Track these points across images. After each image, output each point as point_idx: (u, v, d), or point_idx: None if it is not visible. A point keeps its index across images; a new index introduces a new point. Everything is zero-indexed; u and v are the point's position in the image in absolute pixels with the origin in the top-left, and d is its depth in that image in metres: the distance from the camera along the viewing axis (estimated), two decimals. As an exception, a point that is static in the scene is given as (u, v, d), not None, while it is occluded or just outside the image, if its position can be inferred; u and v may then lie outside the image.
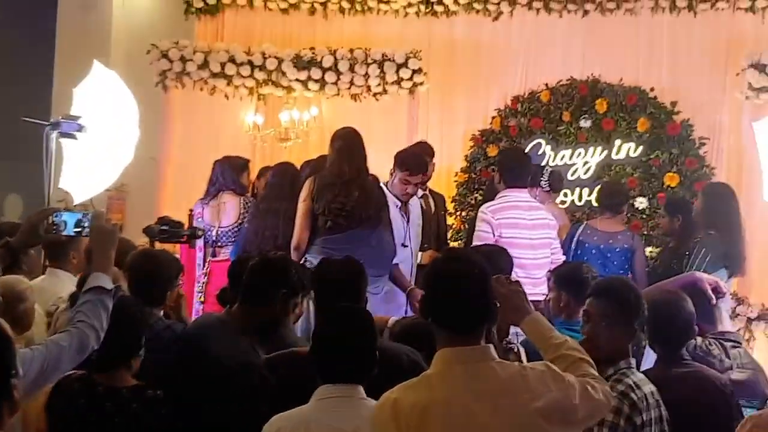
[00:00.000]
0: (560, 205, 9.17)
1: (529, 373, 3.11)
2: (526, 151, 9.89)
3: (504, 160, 7.69)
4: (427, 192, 8.18)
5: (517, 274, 6.21)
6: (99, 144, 6.29)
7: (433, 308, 3.21)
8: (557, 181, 8.38)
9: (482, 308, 3.18)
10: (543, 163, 9.52)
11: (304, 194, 6.72)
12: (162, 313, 5.05)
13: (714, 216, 6.93)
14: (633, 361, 3.94)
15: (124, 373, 4.07)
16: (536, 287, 6.37)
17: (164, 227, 5.65)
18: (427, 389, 3.08)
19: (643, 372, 4.54)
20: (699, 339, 4.95)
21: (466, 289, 3.15)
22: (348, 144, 7.02)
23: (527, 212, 7.03)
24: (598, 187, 8.91)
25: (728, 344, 4.96)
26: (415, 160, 6.71)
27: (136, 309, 4.27)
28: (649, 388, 3.84)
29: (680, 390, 4.20)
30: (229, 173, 8.03)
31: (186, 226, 6.17)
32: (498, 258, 5.49)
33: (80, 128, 5.79)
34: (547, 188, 8.17)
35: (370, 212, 6.59)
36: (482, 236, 6.84)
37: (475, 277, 3.20)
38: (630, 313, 3.95)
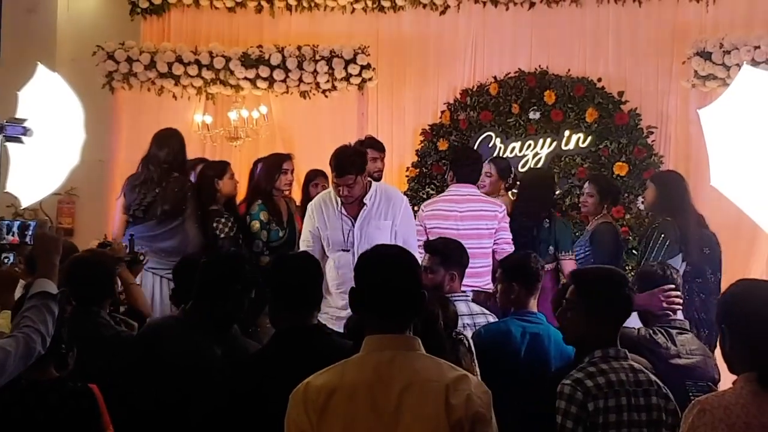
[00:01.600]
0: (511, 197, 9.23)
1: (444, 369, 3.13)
2: (477, 143, 10.01)
3: (453, 157, 8.07)
4: None
5: None
6: (45, 147, 6.21)
7: (361, 298, 3.21)
8: (505, 169, 8.41)
9: (409, 296, 3.19)
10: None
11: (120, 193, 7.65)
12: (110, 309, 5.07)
13: (668, 203, 7.00)
14: (613, 351, 3.93)
15: (47, 367, 4.03)
16: (468, 277, 6.44)
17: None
18: (340, 374, 3.09)
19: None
20: (643, 329, 4.99)
21: (393, 276, 3.18)
22: (154, 144, 7.66)
23: (460, 204, 7.38)
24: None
25: (674, 331, 4.99)
26: (337, 162, 6.54)
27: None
28: (617, 376, 3.82)
29: None
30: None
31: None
32: (451, 250, 5.54)
33: (26, 132, 5.70)
34: (508, 185, 8.23)
35: (166, 207, 7.32)
36: (418, 229, 7.13)
37: (402, 264, 3.22)
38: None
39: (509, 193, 8.43)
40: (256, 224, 7.52)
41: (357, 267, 3.29)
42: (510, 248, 7.26)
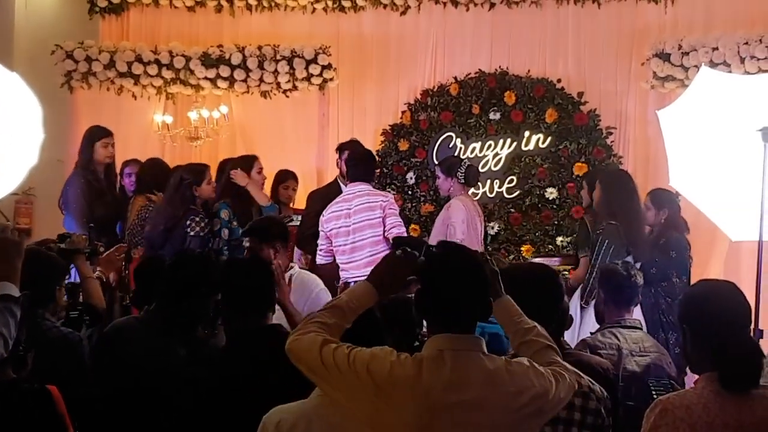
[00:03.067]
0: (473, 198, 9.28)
1: (515, 368, 3.12)
2: (438, 143, 10.01)
3: (347, 160, 8.09)
4: None
5: (340, 260, 7.40)
6: (2, 147, 6.16)
7: (431, 304, 3.21)
8: (472, 176, 8.43)
9: (480, 306, 3.21)
10: (461, 156, 9.55)
11: None
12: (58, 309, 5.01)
13: (614, 205, 7.02)
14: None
15: (5, 368, 3.99)
16: (359, 270, 7.04)
17: (62, 245, 5.65)
18: (417, 369, 3.07)
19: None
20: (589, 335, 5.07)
21: (469, 286, 3.18)
22: None
23: (350, 202, 7.55)
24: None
25: (625, 330, 5.03)
26: None
27: None
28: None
29: None
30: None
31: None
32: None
33: (-18, 132, 5.68)
34: (462, 180, 8.23)
35: None
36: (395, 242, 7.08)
37: (476, 273, 3.22)
38: None
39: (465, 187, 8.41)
40: (218, 222, 7.58)
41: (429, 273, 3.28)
42: (398, 231, 7.40)
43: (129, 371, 4.27)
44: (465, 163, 8.46)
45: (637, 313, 5.76)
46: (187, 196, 7.51)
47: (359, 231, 7.41)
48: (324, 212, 7.67)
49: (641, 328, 5.22)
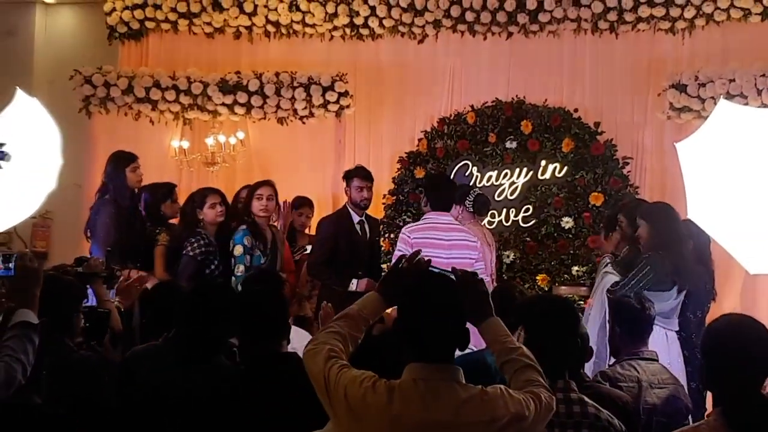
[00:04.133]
0: (488, 226, 9.26)
1: (489, 397, 3.15)
2: (454, 172, 10.01)
3: (428, 185, 8.08)
4: (363, 218, 8.21)
5: None
6: (21, 172, 6.19)
7: (409, 334, 3.25)
8: (482, 205, 8.43)
9: (455, 334, 3.26)
10: (471, 184, 9.56)
11: None
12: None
13: (661, 236, 6.89)
14: (561, 383, 3.92)
15: (30, 394, 3.99)
16: None
17: (80, 269, 5.67)
18: (388, 397, 3.12)
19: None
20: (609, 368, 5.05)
21: (445, 317, 3.23)
22: None
23: (445, 233, 7.40)
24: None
25: (643, 362, 5.01)
26: None
27: None
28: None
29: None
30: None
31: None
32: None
33: (4, 156, 5.70)
34: (471, 209, 8.22)
35: None
36: (397, 255, 6.98)
37: (454, 303, 3.29)
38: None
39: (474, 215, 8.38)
40: (240, 248, 7.56)
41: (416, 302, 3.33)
42: (487, 278, 7.29)
43: (150, 397, 4.27)
44: (474, 191, 8.47)
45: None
46: (190, 218, 7.63)
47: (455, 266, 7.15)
48: (409, 233, 7.47)
49: (658, 360, 5.20)
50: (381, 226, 10.22)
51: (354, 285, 7.82)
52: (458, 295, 3.29)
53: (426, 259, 3.58)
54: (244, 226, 7.66)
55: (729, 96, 8.77)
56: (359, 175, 8.19)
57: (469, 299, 3.36)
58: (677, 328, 6.67)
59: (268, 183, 7.96)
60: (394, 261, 6.69)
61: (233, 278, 7.46)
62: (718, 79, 9.13)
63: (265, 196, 7.83)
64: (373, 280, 7.89)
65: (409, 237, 7.39)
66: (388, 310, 3.87)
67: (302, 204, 9.03)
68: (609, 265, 7.04)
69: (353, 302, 3.58)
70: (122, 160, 8.11)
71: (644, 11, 9.83)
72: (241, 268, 7.50)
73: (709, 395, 4.13)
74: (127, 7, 10.98)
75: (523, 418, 3.15)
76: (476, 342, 3.66)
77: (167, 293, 5.56)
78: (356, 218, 8.09)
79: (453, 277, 3.46)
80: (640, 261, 6.69)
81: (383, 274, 3.64)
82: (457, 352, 3.36)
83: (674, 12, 9.78)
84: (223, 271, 7.55)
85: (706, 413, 3.50)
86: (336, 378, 3.17)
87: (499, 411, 3.12)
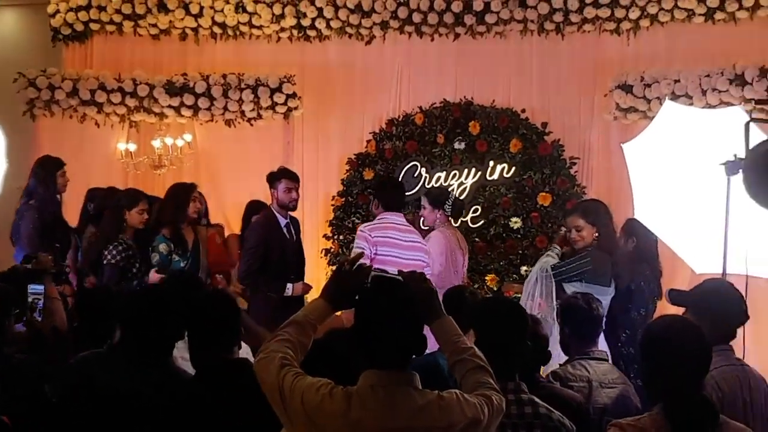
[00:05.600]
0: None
1: (446, 402, 3.15)
2: (402, 173, 10.03)
3: (378, 187, 8.06)
4: (288, 219, 8.09)
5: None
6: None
7: (364, 341, 3.23)
8: (459, 209, 8.45)
9: (414, 341, 3.24)
10: (450, 189, 9.52)
11: None
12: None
13: (600, 235, 6.93)
14: (512, 385, 3.94)
15: None
16: None
17: (28, 266, 5.62)
18: (346, 404, 3.11)
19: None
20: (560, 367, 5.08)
21: (400, 324, 3.21)
22: None
23: (403, 234, 7.42)
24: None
25: (593, 362, 5.05)
26: None
27: None
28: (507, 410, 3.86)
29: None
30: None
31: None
32: None
33: (-53, 161, 5.68)
34: (449, 213, 8.22)
35: None
36: (342, 261, 6.95)
37: (410, 309, 3.26)
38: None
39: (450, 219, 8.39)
40: (155, 256, 7.56)
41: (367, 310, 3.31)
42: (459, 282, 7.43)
43: (97, 404, 4.22)
44: (452, 195, 8.47)
45: (602, 344, 5.76)
46: (117, 222, 7.62)
47: (412, 269, 7.05)
48: (369, 231, 7.41)
49: (608, 360, 5.24)
50: (329, 227, 10.26)
51: (290, 290, 7.68)
52: (414, 301, 3.28)
53: (367, 264, 3.56)
54: (161, 234, 7.66)
55: (674, 96, 8.87)
56: (287, 176, 7.96)
57: (419, 299, 3.36)
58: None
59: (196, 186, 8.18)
60: (346, 261, 6.70)
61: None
62: (664, 80, 9.21)
63: (197, 199, 8.03)
64: (308, 284, 7.91)
65: (369, 235, 7.35)
66: (338, 312, 3.87)
67: (261, 208, 8.91)
68: (552, 250, 7.10)
69: (289, 307, 3.56)
70: (53, 166, 8.07)
71: (589, 12, 9.91)
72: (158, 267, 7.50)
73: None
74: (71, 9, 10.87)
75: (478, 422, 3.16)
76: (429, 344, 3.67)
77: (101, 299, 5.50)
78: (283, 221, 7.92)
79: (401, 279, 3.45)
80: (584, 254, 6.75)
81: (329, 278, 3.58)
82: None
83: (619, 13, 9.87)
84: (145, 272, 7.51)
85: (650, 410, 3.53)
86: (291, 386, 3.15)
87: (456, 416, 3.13)
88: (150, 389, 4.20)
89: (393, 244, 7.33)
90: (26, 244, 7.71)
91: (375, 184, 8.84)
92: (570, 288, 6.64)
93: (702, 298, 4.57)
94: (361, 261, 3.55)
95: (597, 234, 6.72)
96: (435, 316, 3.42)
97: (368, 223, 7.63)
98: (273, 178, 7.95)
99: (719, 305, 4.48)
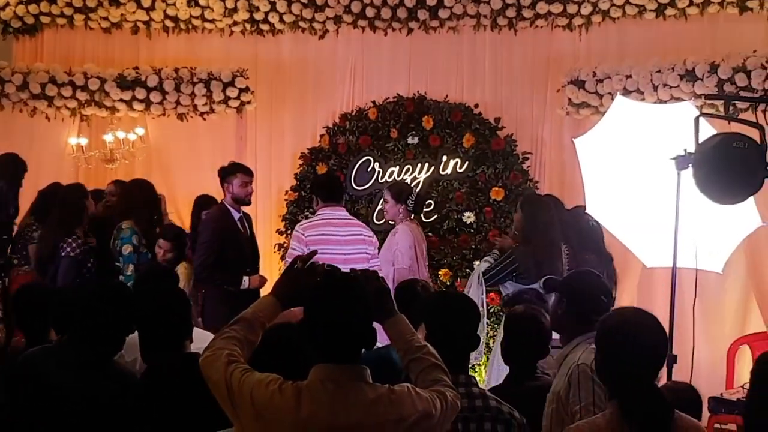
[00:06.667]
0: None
1: (397, 396, 3.15)
2: (356, 167, 10.02)
3: (314, 184, 8.24)
4: (241, 214, 8.07)
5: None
6: None
7: (314, 334, 3.21)
8: (420, 205, 8.52)
9: (364, 335, 3.22)
10: (412, 184, 9.50)
11: None
12: None
13: (526, 227, 7.02)
14: (463, 378, 3.97)
15: None
16: None
17: None
18: (296, 399, 3.10)
19: (494, 388, 4.68)
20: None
21: (350, 318, 3.19)
22: None
23: (340, 228, 7.44)
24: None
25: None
26: None
27: None
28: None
29: (534, 403, 4.34)
30: None
31: None
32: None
33: None
34: (411, 208, 8.23)
35: None
36: (294, 254, 7.06)
37: (361, 303, 3.24)
38: None
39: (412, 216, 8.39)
40: (128, 247, 7.54)
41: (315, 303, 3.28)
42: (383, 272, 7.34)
43: (47, 402, 4.19)
44: (415, 191, 8.49)
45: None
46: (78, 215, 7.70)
47: (354, 263, 6.99)
48: (303, 231, 7.41)
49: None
50: (282, 222, 10.24)
51: (246, 282, 7.66)
52: (365, 295, 3.27)
53: (321, 262, 3.55)
54: (129, 224, 7.63)
55: (626, 92, 8.92)
56: (243, 170, 7.97)
57: (371, 297, 3.34)
58: None
59: None
60: (288, 261, 6.70)
61: (121, 277, 7.41)
62: (615, 75, 9.26)
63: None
64: (263, 276, 7.91)
65: (303, 235, 7.36)
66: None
67: (210, 203, 8.86)
68: (491, 255, 7.20)
69: (246, 300, 3.54)
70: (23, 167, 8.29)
71: (542, 8, 9.95)
72: (131, 267, 7.50)
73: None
74: (21, 2, 10.74)
75: (430, 416, 3.16)
76: (381, 338, 3.67)
77: (38, 296, 5.45)
78: (236, 215, 7.89)
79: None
80: (509, 254, 6.85)
81: (280, 276, 3.56)
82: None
83: (571, 9, 9.91)
84: (99, 268, 7.53)
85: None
86: (240, 382, 3.13)
87: (407, 409, 3.13)
88: (95, 387, 4.18)
89: (329, 241, 7.30)
90: None
91: (311, 181, 8.77)
92: (504, 290, 6.78)
93: (570, 285, 4.66)
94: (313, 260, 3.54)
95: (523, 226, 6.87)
96: (388, 314, 3.42)
97: (303, 222, 7.68)
98: (226, 173, 7.92)
99: (586, 293, 4.54)
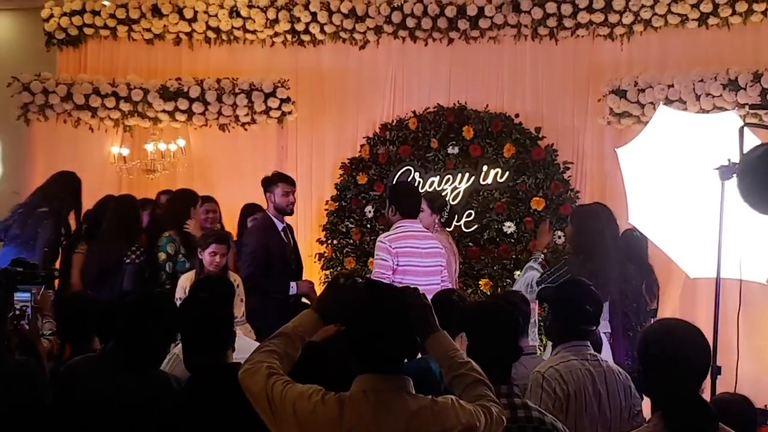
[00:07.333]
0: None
1: (440, 407, 3.14)
2: (396, 177, 10.01)
3: (396, 194, 7.84)
4: (285, 224, 8.09)
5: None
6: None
7: (358, 345, 3.22)
8: (452, 216, 8.51)
9: (407, 346, 3.24)
10: (445, 195, 9.52)
11: None
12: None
13: (582, 240, 6.96)
14: (504, 389, 3.94)
15: None
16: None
17: (19, 269, 5.57)
18: (339, 410, 3.11)
19: None
20: None
21: (394, 325, 3.20)
22: None
23: (422, 241, 7.32)
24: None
25: (527, 356, 5.08)
26: None
27: None
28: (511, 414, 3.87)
29: None
30: None
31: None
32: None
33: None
34: (444, 219, 8.23)
35: None
36: (382, 264, 7.11)
37: (404, 313, 3.24)
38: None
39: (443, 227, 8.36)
40: (162, 255, 7.63)
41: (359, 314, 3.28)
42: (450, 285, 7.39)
43: (90, 410, 4.21)
44: (449, 203, 8.50)
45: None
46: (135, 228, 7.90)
47: (432, 275, 7.23)
48: (389, 242, 7.23)
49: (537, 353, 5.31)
50: (323, 232, 10.26)
51: (294, 288, 7.75)
52: (405, 304, 3.27)
53: (361, 281, 3.54)
54: (169, 233, 7.71)
55: (668, 101, 8.87)
56: (285, 180, 7.99)
57: (413, 315, 3.33)
58: (608, 329, 6.80)
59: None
60: (380, 272, 6.77)
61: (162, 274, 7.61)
62: (657, 85, 9.21)
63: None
64: (311, 281, 8.04)
65: (390, 246, 7.21)
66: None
67: (255, 210, 8.87)
68: (534, 260, 7.17)
69: (295, 308, 3.55)
70: (77, 182, 8.55)
71: (583, 17, 9.92)
72: (162, 275, 7.57)
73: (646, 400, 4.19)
74: (65, 14, 10.89)
75: (473, 429, 3.15)
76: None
77: (83, 305, 5.49)
78: (280, 226, 7.94)
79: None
80: (561, 263, 6.81)
81: (322, 291, 3.57)
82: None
83: (613, 18, 9.87)
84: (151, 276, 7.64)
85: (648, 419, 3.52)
86: (282, 394, 3.14)
87: (450, 421, 3.12)
88: (137, 396, 4.20)
89: (413, 254, 7.24)
90: (42, 253, 7.69)
91: (391, 191, 8.69)
92: None
93: (557, 295, 4.71)
94: (355, 277, 3.54)
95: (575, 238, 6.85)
96: (430, 331, 3.39)
97: (387, 234, 7.46)
98: (269, 183, 7.96)
99: (574, 302, 4.58)
